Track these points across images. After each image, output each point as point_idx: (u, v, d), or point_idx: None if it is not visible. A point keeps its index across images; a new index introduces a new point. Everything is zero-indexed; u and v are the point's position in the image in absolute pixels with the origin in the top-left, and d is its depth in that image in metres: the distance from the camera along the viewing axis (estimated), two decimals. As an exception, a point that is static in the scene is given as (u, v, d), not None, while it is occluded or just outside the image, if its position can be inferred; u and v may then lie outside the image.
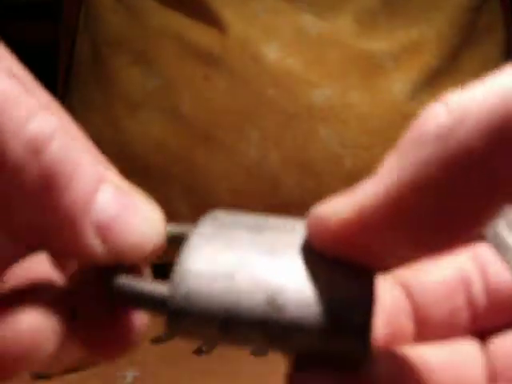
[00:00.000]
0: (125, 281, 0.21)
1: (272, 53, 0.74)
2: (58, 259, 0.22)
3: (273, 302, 0.20)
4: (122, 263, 0.21)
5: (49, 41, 0.93)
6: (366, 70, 0.75)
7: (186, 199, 0.74)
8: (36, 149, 0.18)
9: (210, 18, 0.75)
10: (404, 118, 0.72)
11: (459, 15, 0.78)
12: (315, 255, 0.21)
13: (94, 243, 0.19)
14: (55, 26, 0.89)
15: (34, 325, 0.20)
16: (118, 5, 0.79)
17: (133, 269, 0.22)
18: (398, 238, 0.19)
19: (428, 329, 0.24)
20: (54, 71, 0.86)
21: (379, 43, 0.76)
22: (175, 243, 0.23)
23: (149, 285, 0.21)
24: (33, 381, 0.57)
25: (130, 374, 0.59)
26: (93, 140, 0.21)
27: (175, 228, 0.24)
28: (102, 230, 0.19)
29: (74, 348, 0.21)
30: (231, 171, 0.73)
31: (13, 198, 0.19)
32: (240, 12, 0.75)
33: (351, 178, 0.72)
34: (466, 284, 0.24)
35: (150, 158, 0.74)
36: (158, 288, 0.21)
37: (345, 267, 0.20)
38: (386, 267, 0.21)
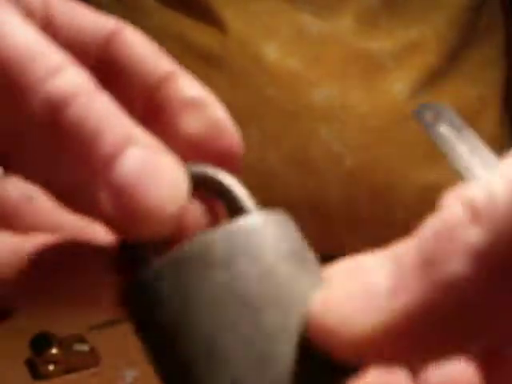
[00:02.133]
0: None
1: (272, 52, 0.74)
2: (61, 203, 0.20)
3: None
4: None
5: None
6: (366, 70, 0.75)
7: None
8: (54, 108, 0.17)
9: (210, 18, 0.75)
10: (404, 117, 0.72)
11: (459, 15, 0.78)
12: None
13: (106, 206, 0.18)
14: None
15: None
16: (118, 4, 0.79)
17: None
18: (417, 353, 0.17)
19: None
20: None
21: (379, 43, 0.76)
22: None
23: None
24: (33, 381, 0.57)
25: (130, 374, 0.59)
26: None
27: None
28: (118, 192, 0.18)
29: None
30: (231, 171, 0.73)
31: (29, 151, 0.18)
32: (240, 12, 0.75)
33: (351, 178, 0.72)
34: None
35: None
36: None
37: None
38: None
